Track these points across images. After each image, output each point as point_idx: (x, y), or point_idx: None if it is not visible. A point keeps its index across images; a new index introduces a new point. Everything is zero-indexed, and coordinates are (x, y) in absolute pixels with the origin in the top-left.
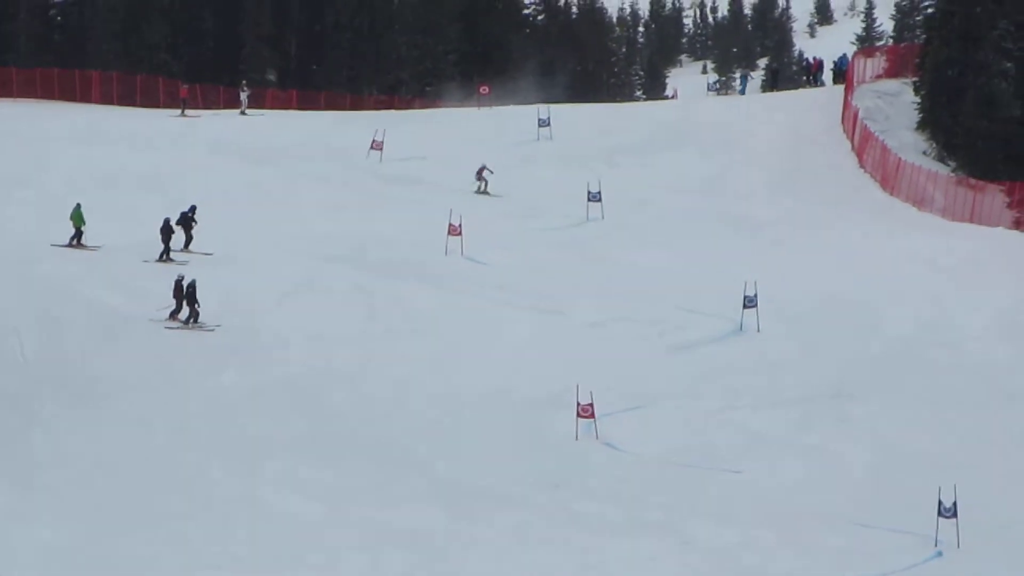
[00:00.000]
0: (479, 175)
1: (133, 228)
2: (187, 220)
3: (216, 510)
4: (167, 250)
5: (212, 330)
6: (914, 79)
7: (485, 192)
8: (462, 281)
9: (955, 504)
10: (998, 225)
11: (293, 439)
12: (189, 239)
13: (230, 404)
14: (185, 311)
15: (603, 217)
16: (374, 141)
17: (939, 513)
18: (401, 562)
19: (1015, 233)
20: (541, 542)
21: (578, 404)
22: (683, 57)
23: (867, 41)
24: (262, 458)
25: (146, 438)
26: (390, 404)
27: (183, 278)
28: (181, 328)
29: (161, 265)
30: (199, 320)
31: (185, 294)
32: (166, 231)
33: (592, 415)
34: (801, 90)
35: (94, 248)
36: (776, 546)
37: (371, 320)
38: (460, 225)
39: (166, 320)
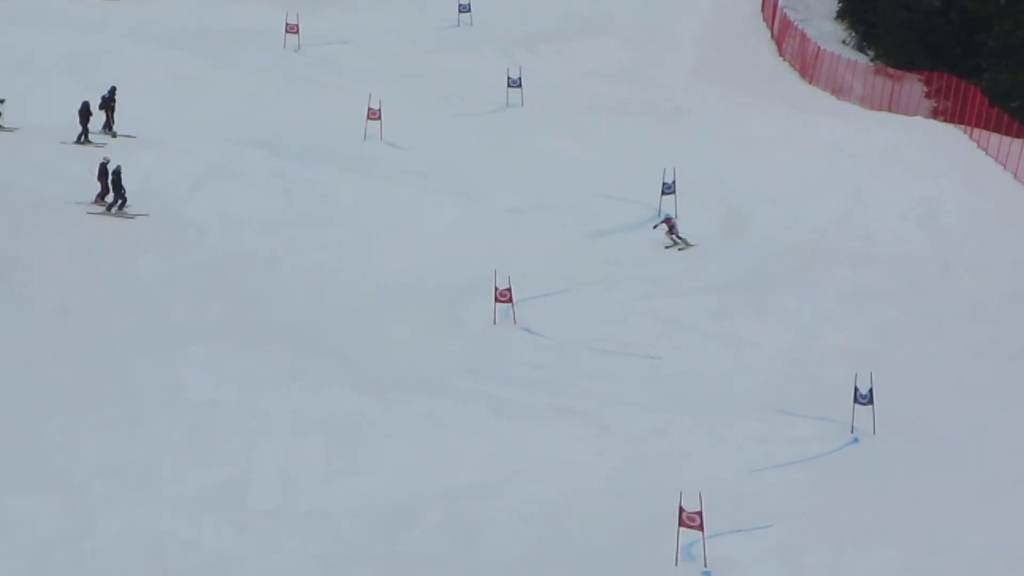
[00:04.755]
0: None
1: (50, 111)
2: (107, 103)
3: (135, 396)
4: (85, 132)
5: (132, 218)
6: None
7: None
8: (381, 166)
9: (871, 391)
10: (916, 114)
11: (211, 325)
12: (110, 122)
13: (149, 290)
14: (110, 197)
15: (523, 104)
16: (288, 24)
17: (855, 400)
18: (318, 447)
19: (933, 122)
20: (458, 428)
21: (496, 289)
22: None
23: None
24: (181, 344)
25: (64, 324)
26: (308, 290)
27: (108, 162)
28: (104, 214)
29: (79, 147)
30: (124, 208)
31: (111, 180)
32: (84, 114)
33: (510, 300)
34: None
35: (11, 130)
36: (693, 432)
37: (289, 206)
38: (379, 110)
39: (90, 204)
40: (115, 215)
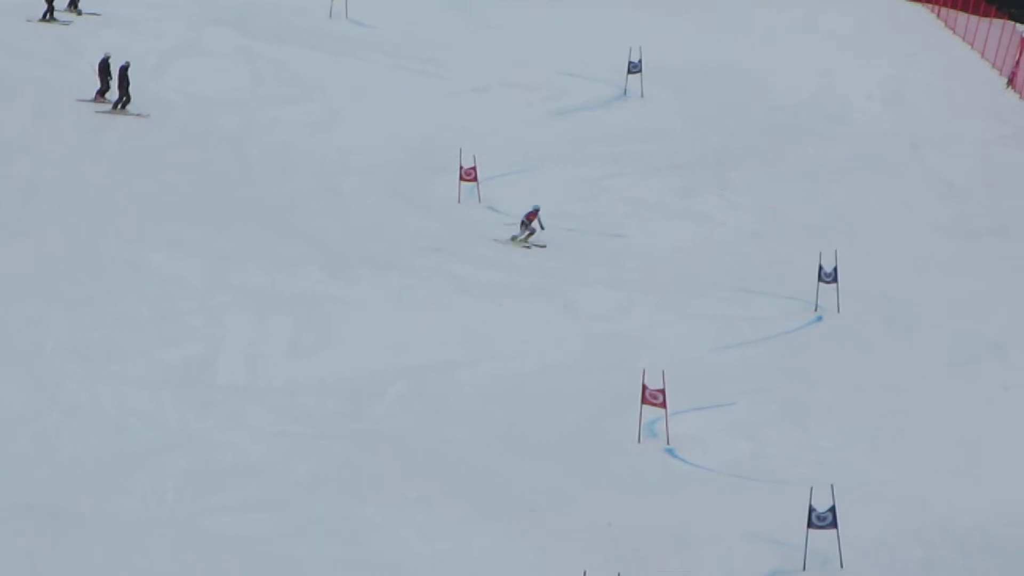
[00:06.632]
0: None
1: None
2: None
3: (101, 273)
4: (51, 10)
5: (137, 116)
6: None
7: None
8: (347, 44)
9: (835, 269)
10: None
11: (178, 203)
12: None
13: (115, 167)
14: (113, 94)
15: None
16: None
17: (819, 278)
18: (284, 325)
19: (900, 2)
20: (424, 306)
21: (461, 168)
22: None
23: None
24: (147, 222)
25: (31, 200)
26: (273, 168)
27: (109, 58)
28: (111, 113)
29: (45, 25)
30: (127, 107)
31: (118, 77)
32: None
33: (475, 179)
34: None
35: None
36: (659, 310)
37: (255, 83)
38: None
39: (93, 100)
40: (119, 113)
